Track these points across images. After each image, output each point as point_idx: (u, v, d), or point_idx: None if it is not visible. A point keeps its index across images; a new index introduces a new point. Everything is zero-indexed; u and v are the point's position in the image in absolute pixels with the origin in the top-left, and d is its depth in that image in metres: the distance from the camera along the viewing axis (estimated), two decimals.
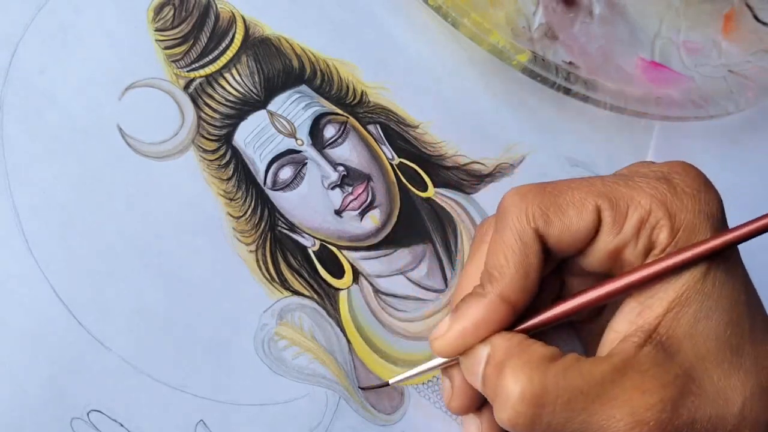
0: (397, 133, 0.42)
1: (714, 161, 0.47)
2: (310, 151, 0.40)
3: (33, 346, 0.34)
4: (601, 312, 0.36)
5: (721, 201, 0.32)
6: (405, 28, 0.44)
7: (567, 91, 0.44)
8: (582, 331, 0.36)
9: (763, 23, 0.49)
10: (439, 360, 0.34)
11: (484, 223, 0.35)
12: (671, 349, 0.30)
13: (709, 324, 0.31)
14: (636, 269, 0.31)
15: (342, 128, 0.41)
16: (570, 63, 0.45)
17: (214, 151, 0.39)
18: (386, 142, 0.42)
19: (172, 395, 0.35)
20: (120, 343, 0.35)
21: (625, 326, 0.32)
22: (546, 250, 0.32)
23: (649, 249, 0.32)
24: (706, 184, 0.32)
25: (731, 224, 0.33)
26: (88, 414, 0.34)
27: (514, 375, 0.30)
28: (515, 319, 0.32)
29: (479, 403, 0.35)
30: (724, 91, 0.47)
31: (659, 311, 0.31)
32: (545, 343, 0.31)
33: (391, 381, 0.35)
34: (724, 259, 0.31)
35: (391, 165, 0.42)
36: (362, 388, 0.38)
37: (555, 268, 0.35)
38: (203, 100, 0.40)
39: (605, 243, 0.32)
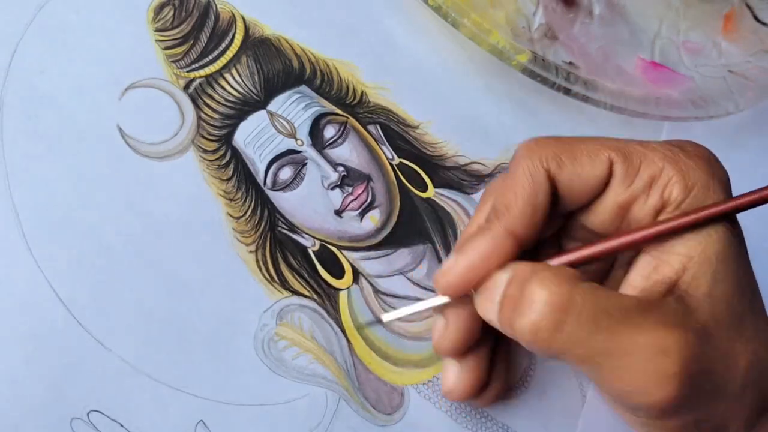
0: (397, 134, 0.42)
1: None
2: (310, 152, 0.40)
3: (33, 347, 0.34)
4: (607, 275, 0.36)
5: (728, 174, 0.33)
6: (405, 28, 0.44)
7: (567, 92, 0.44)
8: None
9: (763, 23, 0.49)
10: (443, 298, 0.33)
11: (495, 180, 0.35)
12: (691, 306, 0.30)
13: (723, 288, 0.31)
14: (664, 221, 0.31)
15: (342, 128, 0.41)
16: (570, 63, 0.45)
17: (214, 152, 0.39)
18: (386, 143, 0.42)
19: (172, 395, 0.35)
20: (120, 343, 0.35)
21: (640, 281, 0.32)
22: (555, 196, 0.32)
23: (660, 206, 0.32)
24: (715, 157, 0.33)
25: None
26: (87, 414, 0.34)
27: (542, 283, 0.29)
28: (519, 256, 0.32)
29: (467, 347, 0.35)
30: (724, 92, 0.47)
31: (677, 266, 0.31)
32: None
33: (384, 317, 0.36)
34: (736, 229, 0.32)
35: (391, 165, 0.42)
36: (358, 327, 0.38)
37: (554, 236, 0.35)
38: (203, 101, 0.40)
39: (615, 195, 0.32)
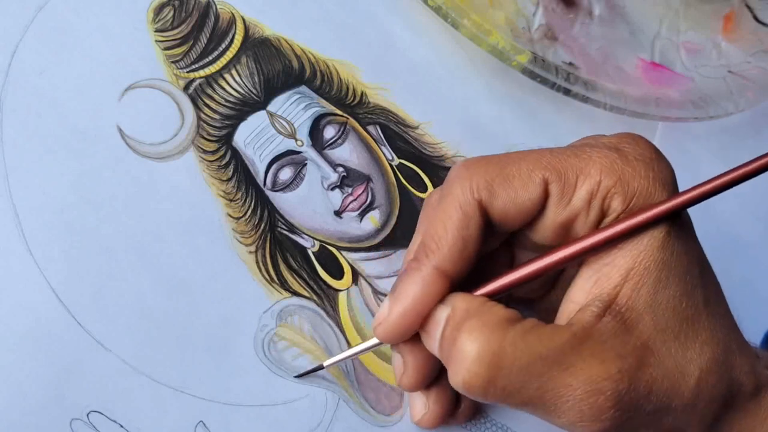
0: (396, 134, 0.42)
1: (714, 162, 0.47)
2: (309, 152, 0.40)
3: (32, 347, 0.34)
4: (553, 287, 0.35)
5: (673, 170, 0.32)
6: (405, 29, 0.44)
7: (567, 92, 0.44)
8: (534, 310, 0.36)
9: (763, 24, 0.49)
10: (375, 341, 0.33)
11: (432, 194, 0.34)
12: (631, 321, 0.30)
13: (668, 294, 0.30)
14: (592, 233, 0.30)
15: (342, 129, 0.41)
16: (570, 64, 0.45)
17: (213, 152, 0.39)
18: (386, 143, 0.42)
19: (172, 396, 0.35)
20: (120, 343, 0.35)
21: (581, 296, 0.31)
22: (490, 223, 0.31)
23: (601, 218, 0.31)
24: (658, 153, 0.32)
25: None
26: (87, 415, 0.34)
27: (471, 335, 0.29)
28: (452, 291, 0.31)
29: (430, 380, 0.34)
30: (724, 92, 0.47)
31: (617, 279, 0.30)
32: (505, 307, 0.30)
33: (325, 363, 0.36)
34: (680, 228, 0.31)
35: (391, 166, 0.42)
36: (297, 377, 0.37)
37: (505, 242, 0.34)
38: (203, 101, 0.40)
39: (554, 215, 0.31)
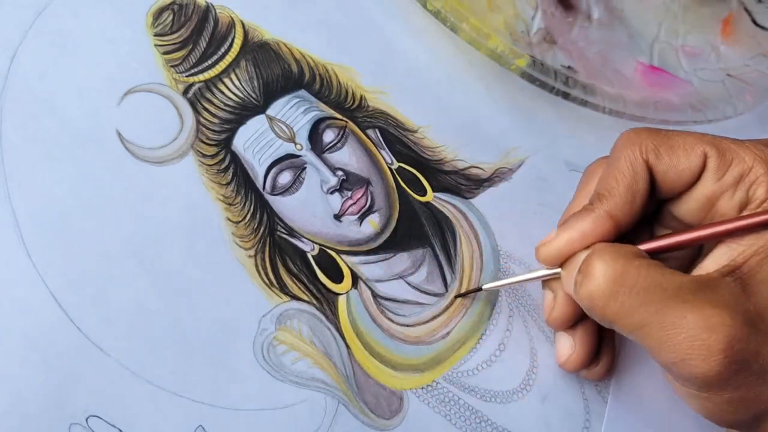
0: (396, 138, 0.42)
1: None
2: (309, 156, 0.40)
3: (31, 352, 0.34)
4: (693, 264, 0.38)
5: None
6: (404, 32, 0.44)
7: (566, 96, 0.44)
8: None
9: (762, 27, 0.50)
10: (540, 272, 0.37)
11: (593, 163, 0.38)
12: (750, 288, 0.32)
13: None
14: (752, 215, 0.33)
15: (341, 133, 0.41)
16: (569, 67, 0.45)
17: (213, 156, 0.39)
18: (385, 147, 0.42)
19: (171, 400, 0.35)
20: (119, 348, 0.35)
21: (712, 267, 0.34)
22: (652, 185, 0.35)
23: (744, 202, 0.34)
24: None
25: None
26: (86, 419, 0.34)
27: (601, 257, 0.33)
28: (617, 238, 0.35)
29: (575, 319, 0.38)
30: (723, 95, 0.47)
31: (747, 252, 0.33)
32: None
33: (484, 286, 0.40)
34: None
35: (390, 169, 0.42)
36: (458, 296, 0.40)
37: (645, 219, 0.37)
38: (202, 105, 0.40)
39: (705, 188, 0.35)
